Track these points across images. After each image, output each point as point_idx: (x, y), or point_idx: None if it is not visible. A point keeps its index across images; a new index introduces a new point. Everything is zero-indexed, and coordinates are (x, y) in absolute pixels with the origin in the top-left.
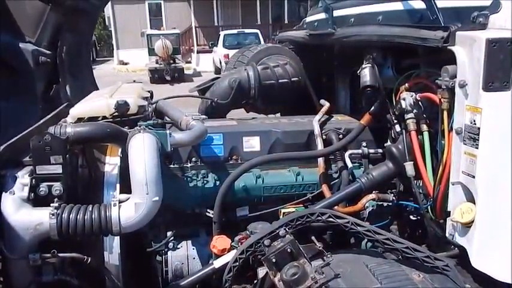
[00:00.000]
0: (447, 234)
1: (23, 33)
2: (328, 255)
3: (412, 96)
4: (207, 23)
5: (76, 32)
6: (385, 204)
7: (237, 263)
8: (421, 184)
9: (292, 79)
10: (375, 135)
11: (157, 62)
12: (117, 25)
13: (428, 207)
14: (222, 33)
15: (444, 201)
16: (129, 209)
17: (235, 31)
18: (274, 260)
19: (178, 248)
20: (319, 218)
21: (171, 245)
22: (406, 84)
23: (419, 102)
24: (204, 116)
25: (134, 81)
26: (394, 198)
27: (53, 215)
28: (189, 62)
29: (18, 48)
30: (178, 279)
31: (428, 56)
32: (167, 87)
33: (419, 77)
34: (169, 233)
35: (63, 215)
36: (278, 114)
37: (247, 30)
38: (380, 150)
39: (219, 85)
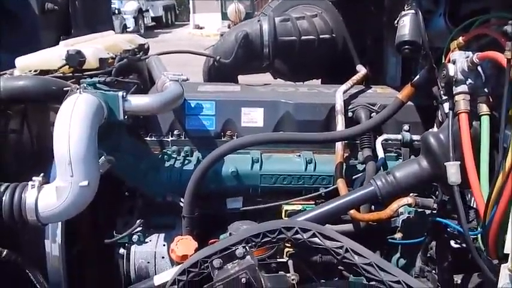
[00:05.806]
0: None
1: None
2: None
3: (466, 57)
4: None
5: None
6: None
7: (176, 286)
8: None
9: (321, 36)
10: (423, 116)
11: (229, 27)
12: None
13: (479, 235)
14: None
15: (501, 233)
16: (49, 195)
17: None
18: None
19: (146, 243)
20: (298, 235)
21: (135, 237)
22: (461, 39)
23: (478, 67)
24: (184, 77)
25: (128, 32)
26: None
27: None
28: None
29: None
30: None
31: None
32: None
33: (484, 26)
34: (137, 222)
35: None
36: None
37: None
38: None
39: (224, 40)
